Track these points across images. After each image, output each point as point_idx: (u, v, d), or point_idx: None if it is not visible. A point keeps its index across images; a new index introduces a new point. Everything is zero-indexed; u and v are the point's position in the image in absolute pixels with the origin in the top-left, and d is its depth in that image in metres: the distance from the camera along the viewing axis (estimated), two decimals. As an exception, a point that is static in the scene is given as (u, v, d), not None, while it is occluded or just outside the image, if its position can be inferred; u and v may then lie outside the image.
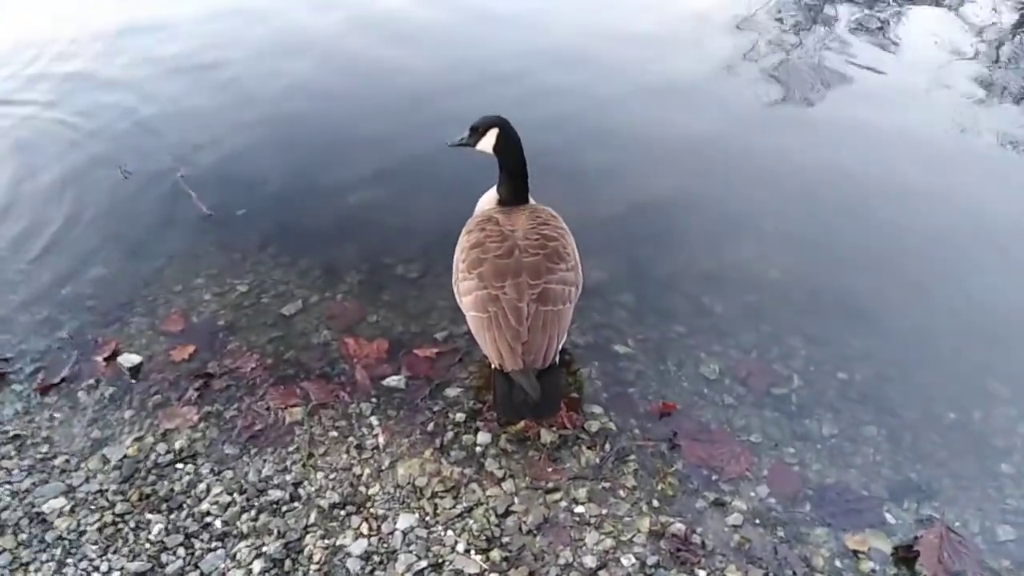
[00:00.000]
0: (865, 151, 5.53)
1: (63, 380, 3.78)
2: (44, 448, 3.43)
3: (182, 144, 5.62)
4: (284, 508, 3.14)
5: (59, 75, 6.74)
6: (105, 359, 3.87)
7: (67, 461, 3.37)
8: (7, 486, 3.25)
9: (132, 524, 3.09)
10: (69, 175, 5.34)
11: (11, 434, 3.50)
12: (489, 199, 3.81)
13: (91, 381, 3.77)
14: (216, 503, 3.17)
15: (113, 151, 5.58)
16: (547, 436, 3.41)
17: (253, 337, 4.02)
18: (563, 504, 3.12)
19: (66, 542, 3.02)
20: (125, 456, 3.38)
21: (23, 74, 6.79)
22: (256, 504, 3.16)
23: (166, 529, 3.07)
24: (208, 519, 3.10)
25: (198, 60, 6.83)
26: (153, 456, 3.38)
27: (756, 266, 4.44)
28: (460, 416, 3.53)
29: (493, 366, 3.28)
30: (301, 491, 3.22)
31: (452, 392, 3.67)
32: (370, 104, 6.12)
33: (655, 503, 3.12)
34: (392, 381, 3.73)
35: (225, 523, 3.09)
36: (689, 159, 5.46)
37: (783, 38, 7.55)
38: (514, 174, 3.66)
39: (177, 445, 3.43)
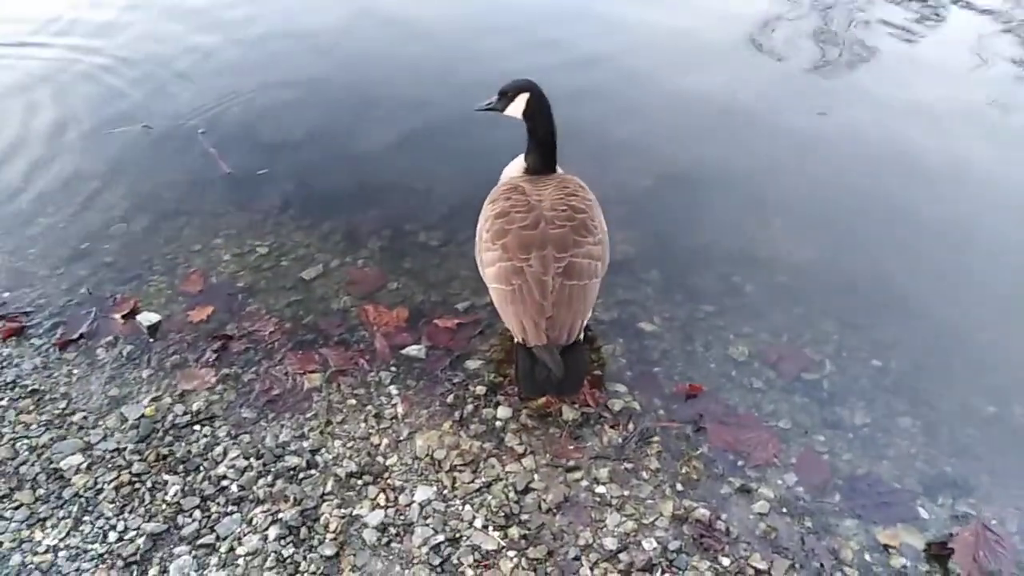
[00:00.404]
0: (907, 128, 5.32)
1: (81, 336, 3.75)
2: (62, 404, 3.41)
3: (205, 101, 5.54)
4: (301, 475, 3.10)
5: (85, 24, 6.67)
6: (123, 317, 3.84)
7: (85, 418, 3.35)
8: (25, 440, 3.24)
9: (149, 484, 3.07)
10: (90, 129, 5.30)
11: (30, 388, 3.48)
12: (516, 167, 3.69)
13: (110, 338, 3.74)
14: (233, 467, 3.13)
15: (135, 106, 5.54)
16: (569, 413, 3.33)
17: (272, 300, 3.96)
18: (584, 483, 3.05)
19: (83, 499, 3.00)
20: (143, 416, 3.35)
21: (51, 21, 6.72)
22: (273, 470, 3.12)
23: (182, 491, 3.04)
24: (224, 483, 3.07)
25: (226, 17, 6.73)
26: (170, 417, 3.35)
27: (788, 246, 4.29)
28: (480, 389, 3.46)
29: (516, 340, 3.19)
30: (318, 458, 3.17)
31: (473, 364, 3.59)
32: (397, 68, 5.96)
33: (679, 487, 3.04)
34: (412, 351, 3.67)
35: (241, 487, 3.05)
36: (721, 132, 5.29)
37: (817, 5, 7.27)
38: (542, 141, 3.53)
39: (195, 407, 3.39)
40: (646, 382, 3.49)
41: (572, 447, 3.20)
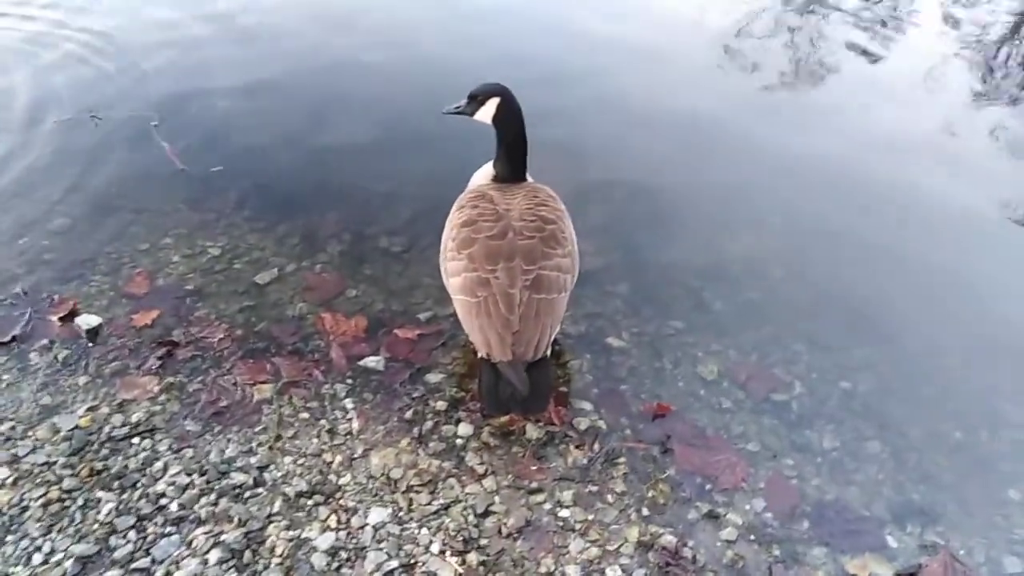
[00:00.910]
0: (872, 152, 5.31)
1: (14, 339, 3.49)
2: (-12, 413, 3.17)
3: (159, 93, 5.29)
4: (247, 494, 2.91)
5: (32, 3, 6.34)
6: (61, 319, 3.59)
7: (13, 428, 3.11)
8: (-55, 452, 2.99)
9: (80, 502, 2.85)
10: (33, 117, 5.00)
11: (-47, 396, 3.23)
12: (484, 174, 3.54)
13: (44, 342, 3.49)
14: (173, 484, 2.92)
15: (83, 94, 5.25)
16: (533, 432, 3.20)
17: (223, 305, 3.75)
18: (547, 507, 2.92)
19: (6, 518, 2.77)
20: (77, 426, 3.12)
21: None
22: (216, 487, 2.92)
23: (117, 509, 2.82)
24: (163, 501, 2.86)
25: (185, 8, 6.43)
26: (107, 428, 3.12)
27: (759, 262, 4.24)
28: (441, 405, 3.31)
29: (480, 355, 3.05)
30: (266, 476, 2.98)
31: (434, 378, 3.44)
32: (362, 66, 5.79)
33: (644, 511, 2.93)
34: (370, 362, 3.50)
35: (182, 506, 2.85)
36: (692, 148, 5.23)
37: (789, 19, 7.32)
38: (512, 148, 3.39)
39: (134, 418, 3.17)
40: (613, 400, 3.38)
41: (535, 468, 3.07)
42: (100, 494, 2.88)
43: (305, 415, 3.25)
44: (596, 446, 3.17)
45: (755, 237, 4.44)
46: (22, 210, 4.23)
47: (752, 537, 2.86)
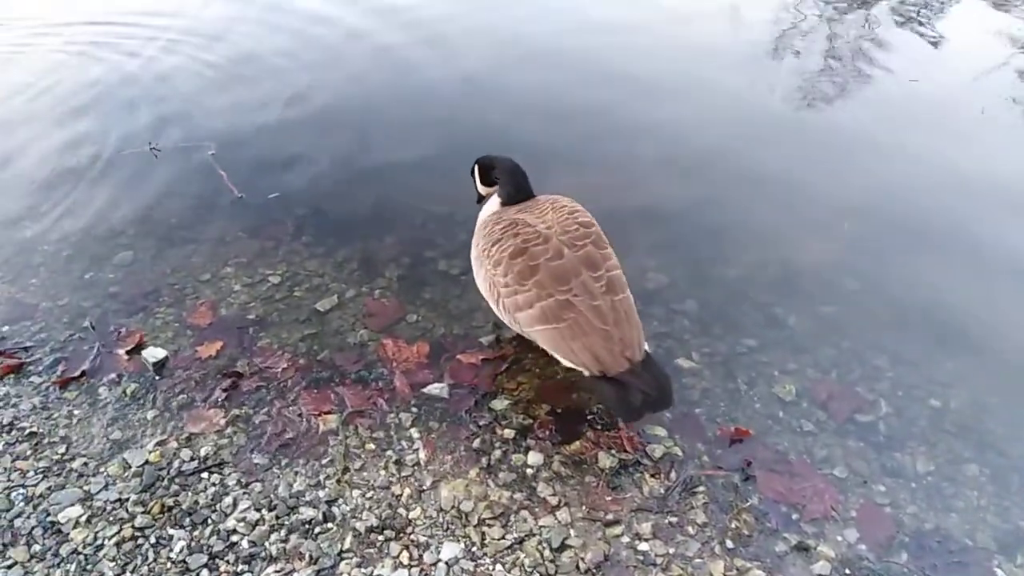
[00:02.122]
0: (961, 137, 5.06)
1: (83, 374, 3.52)
2: (61, 449, 3.18)
3: (215, 121, 5.35)
4: (317, 529, 2.86)
5: (89, 40, 6.51)
6: (128, 352, 3.62)
7: (85, 464, 3.12)
8: (21, 490, 3.01)
9: (153, 539, 2.83)
10: (96, 151, 5.10)
11: (27, 431, 3.25)
12: (493, 203, 3.56)
13: (113, 376, 3.52)
14: (243, 520, 2.89)
15: (143, 127, 5.33)
16: (605, 460, 3.09)
17: (285, 334, 3.74)
18: (625, 540, 2.80)
19: (81, 557, 2.77)
20: (147, 462, 3.12)
21: (53, 35, 6.57)
22: (286, 523, 2.88)
23: (189, 547, 2.80)
24: (234, 538, 2.83)
25: (237, 36, 6.54)
26: (176, 463, 3.11)
27: (832, 274, 4.05)
28: (509, 433, 3.21)
29: (588, 374, 2.97)
30: (335, 511, 2.93)
31: (499, 405, 3.35)
32: (416, 89, 5.74)
33: (729, 543, 2.78)
34: (434, 389, 3.43)
35: (253, 543, 2.81)
36: (753, 152, 5.05)
37: (841, 23, 7.07)
38: (512, 175, 3.45)
39: (202, 452, 3.16)
40: (687, 425, 3.24)
41: (610, 498, 2.96)
42: (172, 531, 2.86)
43: (371, 446, 3.19)
44: (673, 474, 3.03)
45: (825, 246, 4.25)
46: (87, 244, 4.30)
47: (847, 571, 2.69)
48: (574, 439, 3.18)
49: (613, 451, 3.12)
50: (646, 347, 3.01)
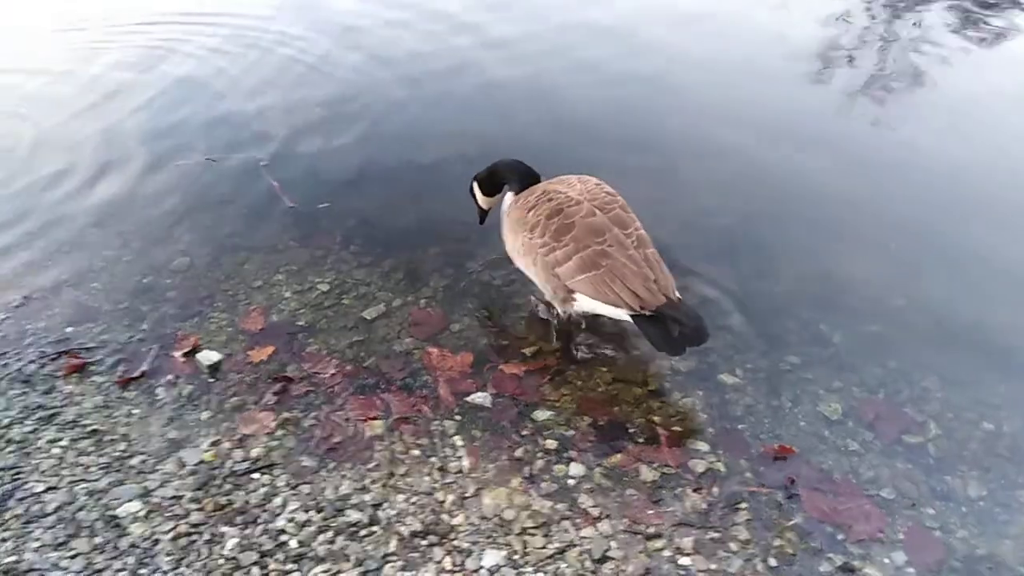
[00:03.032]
0: (1013, 154, 4.96)
1: (143, 374, 3.67)
2: (122, 446, 3.32)
3: (269, 132, 5.51)
4: (363, 532, 2.93)
5: (146, 50, 6.78)
6: (184, 355, 3.75)
7: (143, 462, 3.25)
8: (84, 484, 3.15)
9: (206, 536, 2.93)
10: (154, 160, 5.29)
11: (90, 428, 3.40)
12: (509, 196, 3.84)
13: (170, 377, 3.65)
14: (292, 520, 2.98)
15: (199, 136, 5.52)
16: (647, 473, 3.10)
17: (333, 340, 3.84)
18: (666, 554, 2.81)
19: (140, 550, 2.88)
20: (201, 461, 3.23)
21: (112, 47, 6.85)
22: (333, 525, 2.96)
23: (240, 545, 2.89)
24: (284, 537, 2.92)
25: (290, 48, 6.72)
26: (229, 463, 3.22)
27: (880, 290, 4.00)
28: (551, 443, 3.25)
29: (628, 315, 3.21)
30: (380, 514, 3.00)
31: (542, 415, 3.39)
32: (463, 102, 5.84)
33: (772, 562, 2.77)
34: (477, 398, 3.49)
35: (301, 543, 2.89)
36: (803, 163, 5.01)
37: (878, 27, 6.98)
38: (515, 170, 3.78)
39: (254, 453, 3.27)
40: (730, 441, 3.24)
41: (652, 511, 2.97)
42: (224, 529, 2.96)
43: (416, 452, 3.26)
44: (715, 490, 3.03)
45: (871, 263, 4.21)
46: (147, 251, 4.47)
47: (894, 594, 2.66)
48: (616, 452, 3.21)
49: (655, 465, 3.14)
50: (678, 294, 3.25)
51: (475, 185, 3.92)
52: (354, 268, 4.30)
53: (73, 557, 2.86)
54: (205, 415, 3.46)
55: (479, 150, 5.13)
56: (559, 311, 3.67)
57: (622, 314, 3.26)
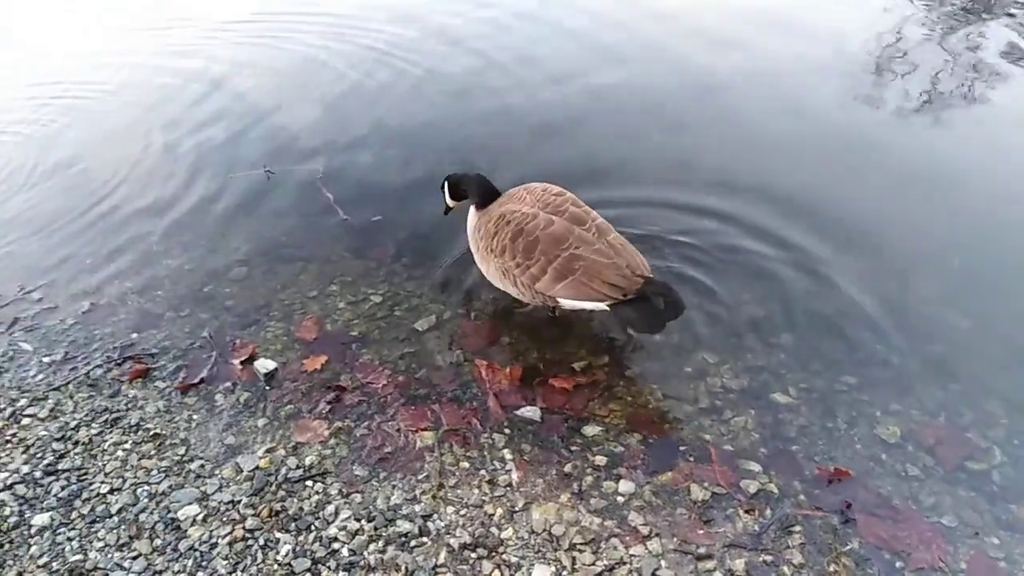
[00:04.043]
0: None
1: (202, 381, 3.79)
2: (181, 450, 3.43)
3: (325, 144, 5.67)
4: (413, 543, 2.96)
5: (205, 66, 7.05)
6: (242, 363, 3.86)
7: (202, 466, 3.35)
8: (146, 487, 3.26)
9: (261, 541, 3.01)
10: (215, 171, 5.50)
11: (152, 432, 3.52)
12: (472, 214, 4.03)
13: (228, 384, 3.77)
14: (344, 528, 3.03)
15: (258, 148, 5.71)
16: (698, 492, 3.07)
17: (385, 351, 3.90)
18: (717, 575, 2.78)
19: (198, 553, 2.97)
20: (257, 467, 3.32)
21: (175, 64, 7.14)
22: (384, 535, 3.00)
23: (294, 551, 2.96)
24: (336, 545, 2.97)
25: (349, 63, 6.89)
26: (284, 470, 3.30)
27: (941, 311, 3.89)
28: (600, 460, 3.24)
29: (607, 304, 3.41)
30: (431, 525, 3.03)
31: (591, 431, 3.39)
32: (508, 115, 5.88)
33: (827, 587, 2.72)
34: (527, 412, 3.50)
35: (352, 552, 2.94)
36: (859, 179, 4.91)
37: (945, 37, 6.79)
38: (480, 186, 3.95)
39: (307, 461, 3.34)
40: (783, 462, 3.18)
41: (702, 532, 2.93)
42: (278, 535, 3.03)
43: (465, 464, 3.29)
44: (768, 511, 2.98)
45: (932, 282, 4.09)
46: (207, 260, 4.63)
47: (956, 626, 2.58)
48: (666, 469, 3.18)
49: (706, 484, 3.10)
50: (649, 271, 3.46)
51: (446, 185, 4.14)
52: (405, 280, 4.37)
53: (135, 558, 2.97)
54: (261, 422, 3.55)
55: (533, 168, 5.17)
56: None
57: (602, 306, 3.47)
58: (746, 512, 2.99)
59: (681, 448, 3.28)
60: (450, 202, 4.21)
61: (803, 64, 6.49)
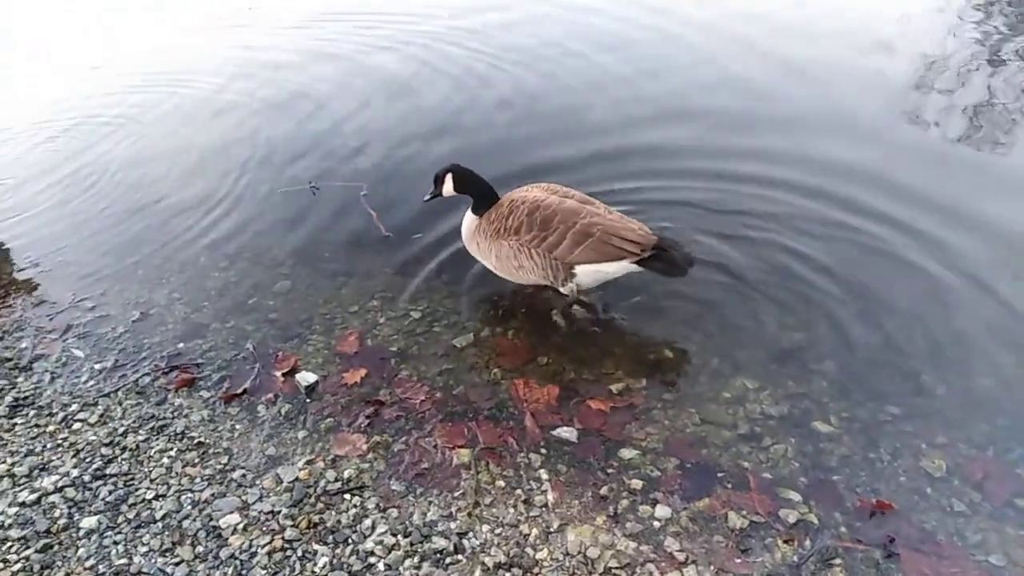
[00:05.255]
0: None
1: (245, 391, 3.87)
2: (224, 459, 3.51)
3: (368, 161, 5.78)
4: (448, 560, 2.98)
5: (260, 82, 7.28)
6: (284, 375, 3.94)
7: (244, 476, 3.42)
8: (189, 494, 3.33)
9: (299, 553, 3.05)
10: (261, 185, 5.65)
11: (196, 441, 3.61)
12: (470, 219, 4.19)
13: (270, 395, 3.84)
14: (380, 543, 3.06)
15: (305, 164, 5.84)
16: (736, 520, 3.04)
17: (423, 367, 3.95)
18: (755, 606, 2.74)
19: (238, 562, 3.03)
20: (297, 479, 3.37)
21: (231, 83, 7.38)
22: (420, 551, 3.02)
23: (331, 564, 3.00)
24: (372, 559, 3.01)
25: (397, 82, 7.03)
26: (323, 482, 3.35)
27: (990, 344, 3.79)
28: (636, 483, 3.23)
29: (632, 266, 3.76)
30: (466, 543, 3.05)
31: (627, 454, 3.38)
32: (554, 136, 5.92)
33: (868, 623, 2.66)
34: (563, 433, 3.51)
35: (388, 567, 2.97)
36: (909, 204, 4.81)
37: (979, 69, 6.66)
38: (483, 194, 4.12)
39: (346, 474, 3.38)
40: (824, 492, 3.14)
41: (739, 560, 2.90)
42: (316, 547, 3.07)
43: (501, 483, 3.30)
44: (807, 542, 2.94)
45: (982, 312, 3.99)
46: (252, 273, 4.74)
47: (1004, 670, 2.50)
48: (703, 496, 3.16)
49: (744, 512, 3.07)
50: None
51: (450, 175, 4.13)
52: (444, 297, 4.42)
53: (177, 564, 3.04)
54: (301, 434, 3.62)
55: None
56: (567, 291, 4.07)
57: (627, 265, 3.76)
58: (785, 542, 2.94)
59: (719, 474, 3.25)
60: (447, 192, 4.19)
61: (856, 82, 6.44)
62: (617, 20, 8.06)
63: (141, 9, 10.17)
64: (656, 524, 3.06)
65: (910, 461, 3.25)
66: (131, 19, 9.90)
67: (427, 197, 4.25)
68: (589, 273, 3.86)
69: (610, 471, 3.31)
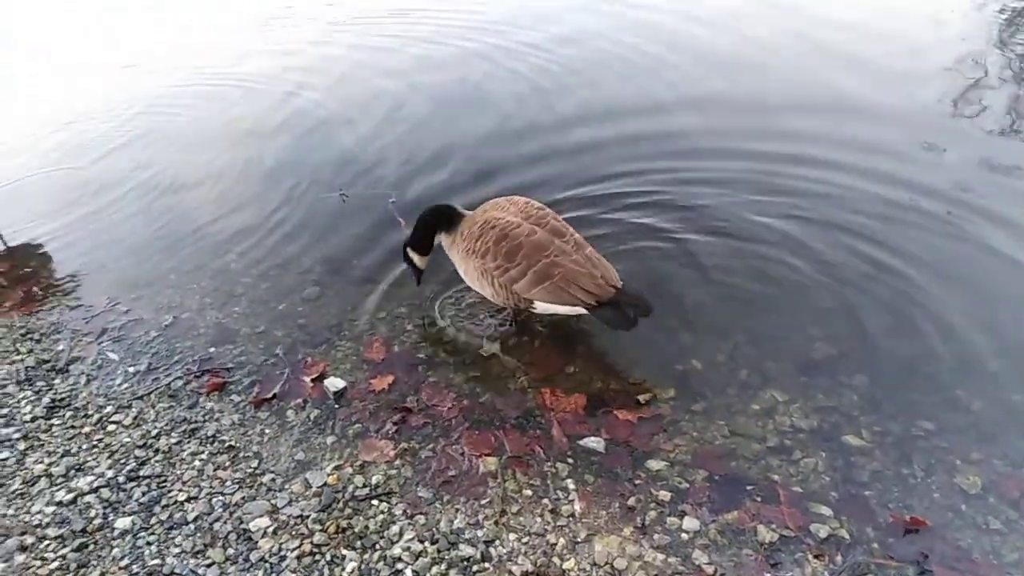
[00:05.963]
0: None
1: (275, 396, 3.92)
2: (254, 463, 3.55)
3: (400, 170, 5.83)
4: (475, 568, 2.99)
5: (295, 88, 7.39)
6: (313, 380, 3.98)
7: (273, 480, 3.46)
8: (220, 497, 3.38)
9: (328, 557, 3.08)
10: (291, 192, 5.73)
11: (227, 444, 3.66)
12: (446, 237, 4.14)
13: (299, 400, 3.88)
14: (408, 549, 3.08)
15: (336, 172, 5.92)
16: (765, 534, 3.01)
17: (451, 374, 3.97)
18: (785, 621, 2.72)
19: (268, 565, 3.06)
20: (325, 484, 3.40)
21: (260, 85, 7.52)
22: (447, 558, 3.03)
23: (359, 569, 3.02)
24: (399, 566, 3.02)
25: (428, 91, 7.09)
26: (351, 488, 3.38)
27: (1025, 357, 3.73)
28: (664, 495, 3.21)
29: (585, 311, 3.71)
30: (493, 551, 3.05)
31: (655, 465, 3.37)
32: (584, 148, 5.92)
33: (902, 642, 2.62)
34: (590, 442, 3.50)
35: (416, 573, 2.98)
36: (940, 217, 4.75)
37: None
38: (438, 216, 4.11)
39: (374, 480, 3.41)
40: (855, 507, 3.10)
41: (769, 574, 2.87)
42: (344, 552, 3.09)
43: (528, 492, 3.30)
44: (839, 558, 2.90)
45: (1014, 326, 3.93)
46: (282, 279, 4.81)
47: None
48: (732, 508, 3.13)
49: (773, 526, 3.04)
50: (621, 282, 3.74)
51: (410, 251, 4.18)
52: (471, 305, 4.44)
53: (209, 565, 3.07)
54: (330, 439, 3.65)
55: (596, 197, 5.22)
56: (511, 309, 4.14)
57: (579, 310, 3.76)
58: (815, 557, 2.91)
59: (748, 487, 3.23)
60: (421, 264, 4.25)
61: (884, 101, 6.38)
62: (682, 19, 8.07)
63: (141, 9, 10.36)
64: (684, 536, 3.04)
65: (944, 477, 3.20)
66: (131, 19, 10.09)
67: (416, 283, 4.41)
68: (546, 308, 3.86)
69: (637, 482, 3.30)
